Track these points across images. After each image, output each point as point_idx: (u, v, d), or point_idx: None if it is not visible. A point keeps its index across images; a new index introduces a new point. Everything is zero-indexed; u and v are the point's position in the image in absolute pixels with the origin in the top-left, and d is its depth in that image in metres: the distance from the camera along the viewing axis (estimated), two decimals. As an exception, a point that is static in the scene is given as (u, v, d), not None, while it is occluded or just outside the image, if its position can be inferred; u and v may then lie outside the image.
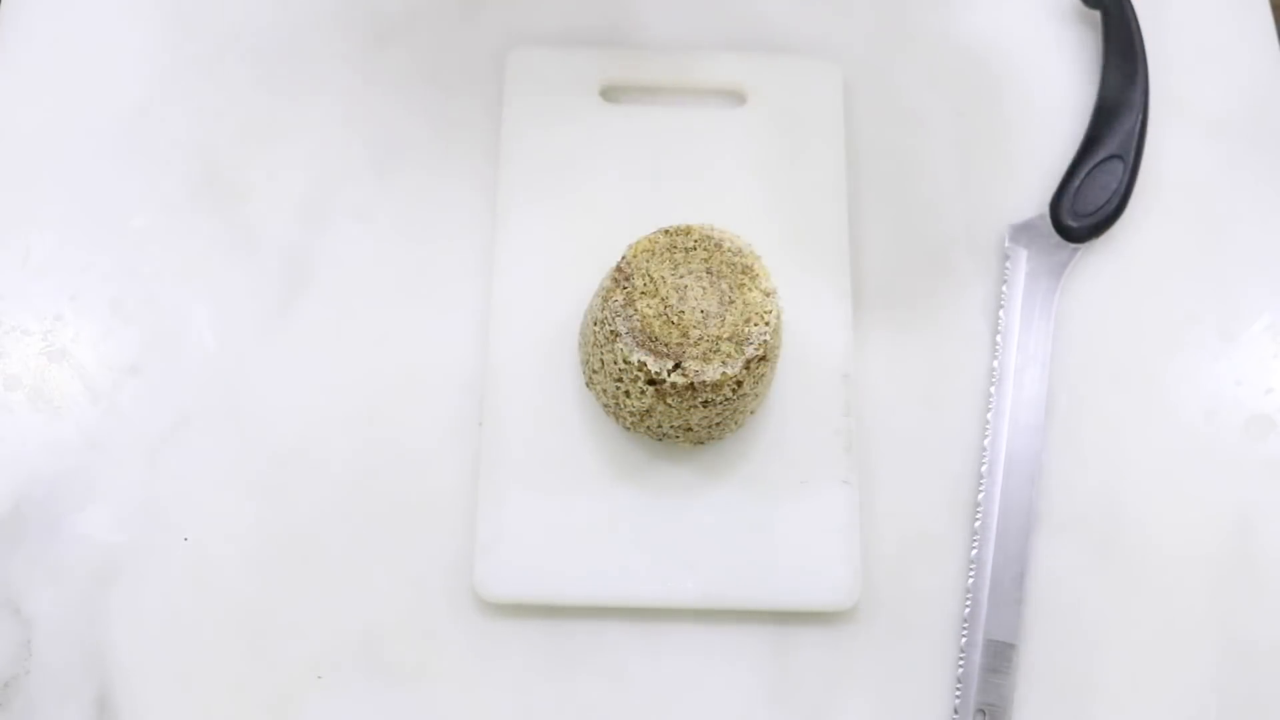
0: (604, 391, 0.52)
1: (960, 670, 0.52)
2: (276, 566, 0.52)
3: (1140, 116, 0.60)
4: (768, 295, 0.51)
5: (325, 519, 0.53)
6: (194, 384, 0.55)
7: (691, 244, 0.51)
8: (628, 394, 0.51)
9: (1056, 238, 0.58)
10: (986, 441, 0.55)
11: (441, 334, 0.56)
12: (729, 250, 0.51)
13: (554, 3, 0.63)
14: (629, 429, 0.53)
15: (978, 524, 0.54)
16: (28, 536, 0.52)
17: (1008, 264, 0.58)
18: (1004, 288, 0.58)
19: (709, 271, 0.51)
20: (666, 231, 0.52)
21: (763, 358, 0.50)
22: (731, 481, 0.53)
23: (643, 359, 0.49)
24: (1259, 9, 0.64)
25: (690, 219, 0.53)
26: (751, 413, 0.53)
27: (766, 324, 0.50)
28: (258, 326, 0.56)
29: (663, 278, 0.51)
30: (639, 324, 0.50)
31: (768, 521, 0.52)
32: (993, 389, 0.56)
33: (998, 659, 0.52)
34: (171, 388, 0.55)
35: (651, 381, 0.49)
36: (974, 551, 0.53)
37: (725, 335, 0.50)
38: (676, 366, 0.49)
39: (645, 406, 0.50)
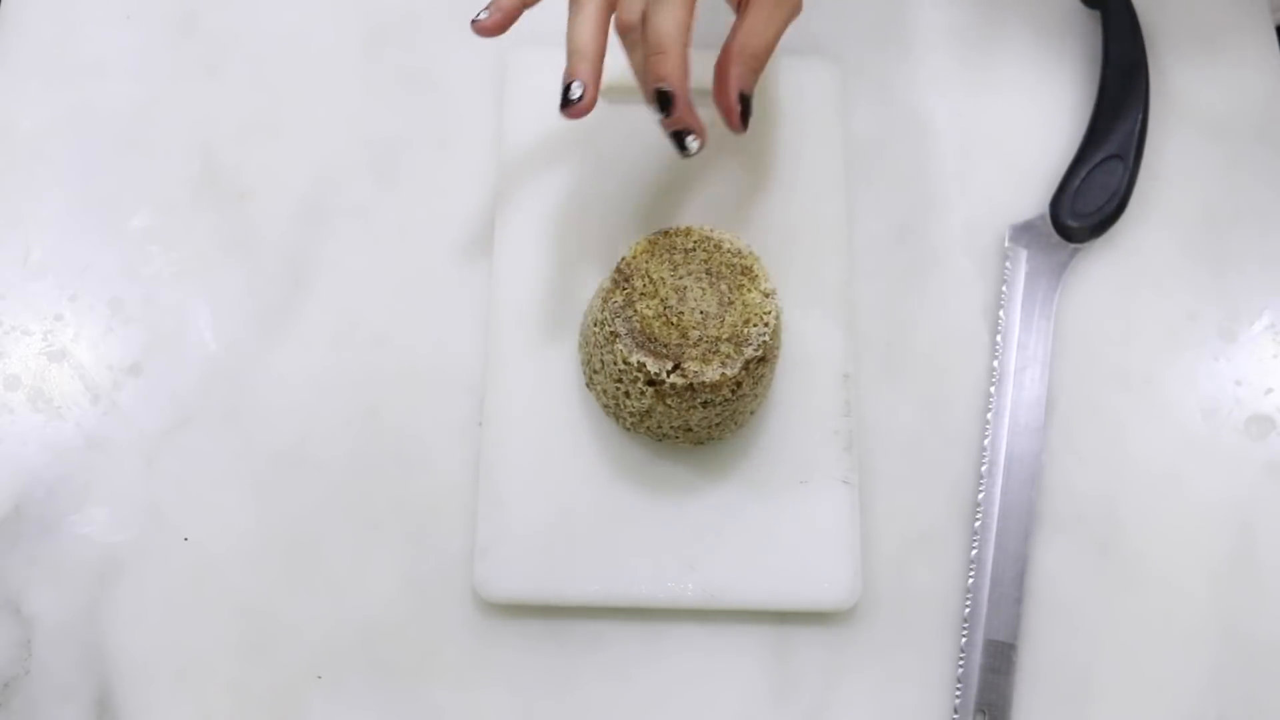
0: (604, 392, 0.52)
1: (960, 670, 0.52)
2: (276, 566, 0.52)
3: (1140, 116, 0.60)
4: (767, 296, 0.50)
5: (325, 519, 0.53)
6: (194, 384, 0.55)
7: (691, 245, 0.51)
8: (628, 395, 0.51)
9: (1056, 238, 0.58)
10: (986, 441, 0.55)
11: (441, 334, 0.56)
12: (728, 251, 0.51)
13: (554, 3, 0.63)
14: (629, 429, 0.53)
15: (978, 524, 0.54)
16: (28, 536, 0.52)
17: (1008, 264, 0.58)
18: (1004, 288, 0.58)
19: (708, 272, 0.51)
20: (666, 232, 0.52)
21: (762, 358, 0.50)
22: (731, 481, 0.53)
23: (642, 360, 0.49)
24: (1259, 9, 0.64)
25: (690, 219, 0.53)
26: (751, 413, 0.53)
27: (766, 325, 0.50)
28: (258, 326, 0.56)
29: (662, 279, 0.51)
30: (638, 325, 0.50)
31: (768, 521, 0.52)
32: (993, 389, 0.56)
33: (998, 659, 0.52)
34: (171, 388, 0.55)
35: (651, 382, 0.49)
36: (974, 551, 0.53)
37: (725, 336, 0.50)
38: (676, 367, 0.49)
39: (645, 407, 0.50)
